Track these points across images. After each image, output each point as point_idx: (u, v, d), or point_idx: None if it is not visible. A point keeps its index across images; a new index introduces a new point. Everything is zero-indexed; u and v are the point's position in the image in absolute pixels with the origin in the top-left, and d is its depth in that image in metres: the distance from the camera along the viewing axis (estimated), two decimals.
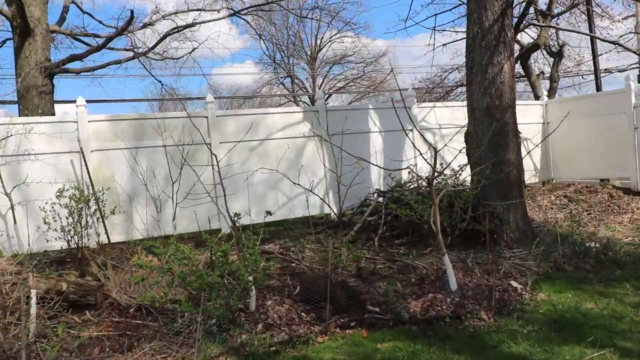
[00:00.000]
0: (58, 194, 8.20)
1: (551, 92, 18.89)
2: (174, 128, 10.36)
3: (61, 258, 8.51)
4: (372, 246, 9.31)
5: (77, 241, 8.25)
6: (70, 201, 8.10)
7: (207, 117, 10.76)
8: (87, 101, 10.07)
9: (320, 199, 10.03)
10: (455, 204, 8.98)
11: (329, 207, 10.63)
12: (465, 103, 10.09)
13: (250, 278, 5.77)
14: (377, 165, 11.18)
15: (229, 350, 5.39)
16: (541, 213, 11.94)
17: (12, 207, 9.09)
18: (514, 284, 6.85)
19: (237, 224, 6.78)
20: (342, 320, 5.78)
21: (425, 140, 8.31)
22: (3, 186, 9.06)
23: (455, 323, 5.85)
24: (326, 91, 39.17)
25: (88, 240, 8.96)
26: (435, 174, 6.77)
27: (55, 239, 8.58)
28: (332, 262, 6.86)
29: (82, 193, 8.68)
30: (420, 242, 9.39)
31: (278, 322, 5.77)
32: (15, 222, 9.09)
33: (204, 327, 5.62)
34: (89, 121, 9.82)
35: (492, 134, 9.03)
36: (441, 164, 10.88)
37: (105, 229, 9.58)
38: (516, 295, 6.56)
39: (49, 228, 8.44)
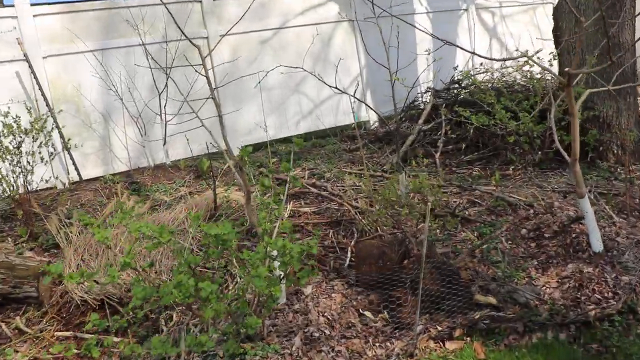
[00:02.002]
0: None
1: None
2: (156, 19, 7.61)
3: (7, 212, 6.12)
4: (433, 166, 6.80)
5: (24, 184, 5.71)
6: (4, 128, 5.52)
7: (200, 1, 7.97)
8: None
9: (358, 99, 7.41)
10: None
11: (373, 110, 8.00)
12: None
13: (280, 273, 3.21)
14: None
15: None
16: None
17: None
18: None
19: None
20: (439, 328, 3.35)
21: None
22: None
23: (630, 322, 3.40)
24: None
25: (47, 182, 6.53)
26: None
27: None
28: (402, 207, 4.36)
29: (36, 117, 6.10)
30: (494, 158, 6.86)
31: (327, 332, 3.36)
32: None
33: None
34: (34, 15, 7.10)
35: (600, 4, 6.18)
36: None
37: (73, 162, 7.11)
38: None
39: None
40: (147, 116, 7.46)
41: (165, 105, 7.00)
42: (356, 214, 5.02)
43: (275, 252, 3.12)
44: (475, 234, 4.66)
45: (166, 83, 7.07)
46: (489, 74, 8.06)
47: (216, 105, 3.74)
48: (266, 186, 3.17)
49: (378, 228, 4.52)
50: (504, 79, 7.69)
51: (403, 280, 3.47)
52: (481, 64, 8.42)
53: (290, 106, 8.54)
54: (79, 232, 5.39)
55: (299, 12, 8.57)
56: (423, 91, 8.62)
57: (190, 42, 3.71)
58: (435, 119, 7.62)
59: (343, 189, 6.00)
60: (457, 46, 4.60)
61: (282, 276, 3.09)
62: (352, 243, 4.25)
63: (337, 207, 5.37)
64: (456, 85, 8.32)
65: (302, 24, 8.61)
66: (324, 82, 5.82)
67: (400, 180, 5.55)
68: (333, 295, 3.66)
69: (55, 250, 5.34)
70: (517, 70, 8.04)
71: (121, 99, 7.25)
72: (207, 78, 3.60)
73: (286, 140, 8.56)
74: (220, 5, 8.09)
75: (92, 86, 7.35)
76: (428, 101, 8.04)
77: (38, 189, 6.62)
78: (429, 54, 7.56)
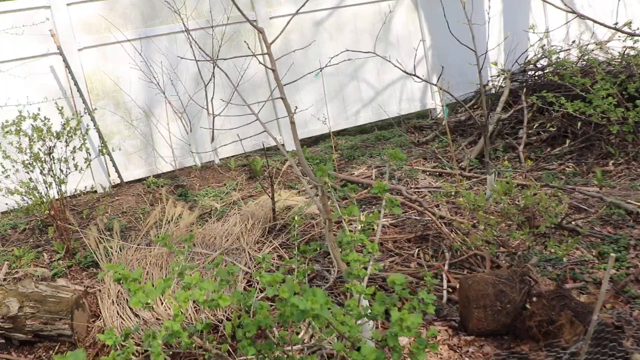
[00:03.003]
0: (13, 122, 4.90)
1: None
2: (199, 2, 6.86)
3: (43, 222, 5.49)
4: (516, 161, 5.89)
5: (58, 191, 5.00)
6: (33, 132, 4.81)
7: None
8: None
9: (426, 81, 6.49)
10: None
11: (449, 95, 7.08)
12: None
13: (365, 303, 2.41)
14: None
15: None
16: None
17: None
18: None
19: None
20: None
21: None
22: None
23: None
24: None
25: (85, 187, 5.87)
26: None
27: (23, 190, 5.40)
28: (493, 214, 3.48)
29: (67, 117, 5.40)
30: (587, 150, 5.86)
31: None
32: None
33: None
34: (68, 4, 6.42)
35: None
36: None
37: (114, 163, 6.44)
38: None
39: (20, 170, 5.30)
40: (192, 110, 6.72)
41: (212, 98, 6.25)
42: (442, 224, 4.17)
43: (366, 302, 2.34)
44: (593, 253, 3.76)
45: (212, 73, 6.30)
46: (568, 53, 7.07)
47: (286, 106, 2.93)
48: (353, 214, 2.38)
49: (473, 245, 3.69)
50: (586, 57, 6.67)
51: (529, 328, 2.64)
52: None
53: (349, 94, 7.69)
54: (120, 247, 4.72)
55: None
56: (496, 74, 7.66)
57: (252, 24, 2.92)
58: (513, 105, 6.68)
59: (418, 191, 5.16)
60: (587, 18, 3.68)
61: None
62: (458, 281, 3.37)
63: (417, 216, 4.53)
64: (531, 67, 7.34)
65: (360, 2, 7.71)
66: (399, 67, 4.94)
67: (488, 182, 4.68)
68: (438, 347, 2.82)
69: (95, 270, 4.68)
70: (600, 48, 7.05)
71: (163, 93, 6.52)
72: (274, 68, 2.78)
73: (345, 132, 7.74)
74: None
75: (131, 79, 6.65)
76: (504, 85, 7.08)
77: (76, 193, 5.99)
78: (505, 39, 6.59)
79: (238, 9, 2.99)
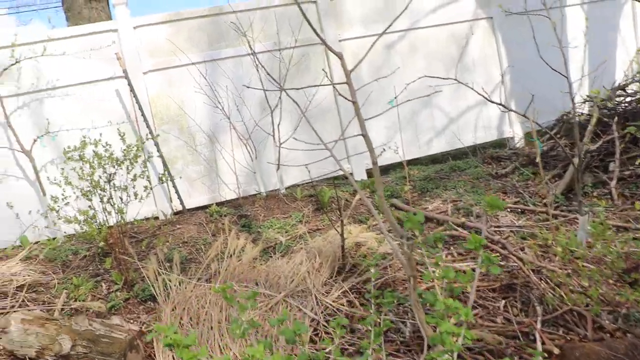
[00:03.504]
0: (76, 149, 4.72)
1: None
2: (266, 23, 6.64)
3: (103, 250, 5.29)
4: (607, 198, 5.34)
5: (116, 217, 4.77)
6: (94, 159, 4.60)
7: (315, 1, 6.89)
8: None
9: (512, 110, 5.99)
10: None
11: (530, 123, 6.60)
12: None
13: None
14: None
15: None
16: None
17: (35, 171, 5.95)
18: None
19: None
20: None
21: None
22: (18, 140, 5.89)
23: None
24: None
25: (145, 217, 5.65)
26: None
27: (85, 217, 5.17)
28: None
29: (134, 143, 5.20)
30: None
31: None
32: (44, 193, 5.95)
33: None
34: (134, 27, 6.30)
35: None
36: None
37: (176, 189, 6.23)
38: None
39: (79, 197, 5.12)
40: (257, 137, 6.46)
41: (279, 124, 5.96)
42: (529, 271, 3.70)
43: None
44: None
45: (280, 97, 6.03)
46: None
47: (368, 144, 2.57)
48: (447, 278, 1.99)
49: (570, 302, 3.22)
50: None
51: None
52: None
53: (422, 122, 7.29)
54: (179, 281, 4.44)
55: (430, 10, 7.30)
56: (581, 101, 7.11)
57: (330, 49, 2.60)
58: (601, 135, 6.12)
59: (499, 230, 4.69)
60: None
61: None
62: (560, 350, 2.88)
63: (501, 260, 4.07)
64: (621, 92, 6.76)
65: (433, 24, 7.32)
66: (484, 95, 4.52)
67: (581, 223, 4.17)
68: None
69: (152, 304, 4.43)
70: None
71: (228, 118, 6.28)
72: (355, 99, 2.45)
73: (417, 161, 7.32)
74: (338, 5, 6.98)
75: (196, 103, 6.45)
76: (589, 113, 6.52)
77: (137, 219, 5.80)
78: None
79: (314, 30, 2.66)
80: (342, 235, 4.25)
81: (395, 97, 5.34)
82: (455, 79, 4.53)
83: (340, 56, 2.43)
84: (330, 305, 3.81)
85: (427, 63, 7.22)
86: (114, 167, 4.61)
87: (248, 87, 5.73)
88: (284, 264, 4.34)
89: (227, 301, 2.21)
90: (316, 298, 3.92)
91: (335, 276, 4.17)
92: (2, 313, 4.37)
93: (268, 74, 5.16)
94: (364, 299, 3.90)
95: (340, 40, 6.87)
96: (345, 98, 2.76)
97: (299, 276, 4.08)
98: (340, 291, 4.02)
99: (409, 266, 2.16)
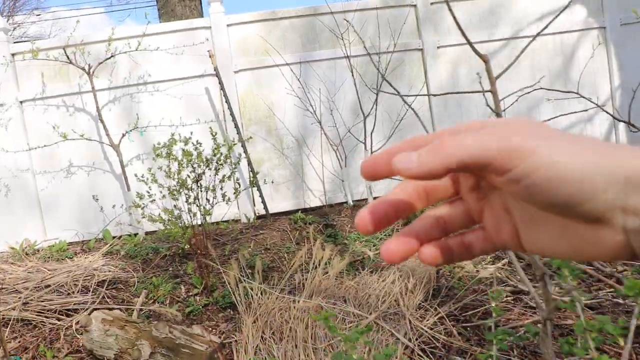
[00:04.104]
0: (164, 145, 4.57)
1: None
2: (362, 27, 6.37)
3: (184, 251, 5.15)
4: None
5: (201, 219, 4.58)
6: (183, 157, 4.43)
7: (414, 5, 6.57)
8: None
9: (634, 126, 5.48)
10: None
11: None
12: None
13: None
14: None
15: None
16: None
17: (122, 166, 5.89)
18: None
19: None
20: None
21: None
22: (107, 134, 5.85)
23: None
24: None
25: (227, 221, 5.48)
26: None
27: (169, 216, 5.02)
28: None
29: (218, 141, 5.02)
30: None
31: None
32: (128, 188, 5.90)
33: None
34: (228, 25, 6.16)
35: None
36: None
37: (261, 193, 6.04)
38: None
39: (164, 196, 4.98)
40: (347, 143, 6.19)
41: (372, 132, 5.65)
42: None
43: None
44: None
45: (375, 103, 5.72)
46: None
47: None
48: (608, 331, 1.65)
49: None
50: None
51: None
52: None
53: None
54: (261, 290, 4.22)
55: (535, 18, 6.84)
56: None
57: (476, 51, 2.33)
58: None
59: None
60: None
61: None
62: None
63: None
64: None
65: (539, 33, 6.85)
66: (608, 111, 4.09)
67: None
68: None
69: (232, 312, 4.23)
70: None
71: (319, 122, 6.04)
72: (499, 110, 2.14)
73: None
74: (438, 11, 6.62)
75: (286, 105, 6.25)
76: None
77: (218, 220, 5.65)
78: None
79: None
80: None
81: (504, 110, 4.93)
82: (576, 93, 4.09)
83: (486, 59, 2.12)
84: (426, 332, 3.47)
85: (530, 74, 6.76)
86: (202, 166, 4.44)
87: (339, 91, 5.46)
88: (373, 282, 4.04)
89: (330, 331, 1.93)
90: (410, 323, 3.60)
91: (430, 299, 3.83)
92: (83, 309, 4.28)
93: (361, 79, 4.89)
94: (462, 327, 3.56)
95: (438, 47, 6.52)
96: (493, 111, 2.42)
97: (391, 296, 3.76)
98: (437, 317, 3.67)
99: (547, 309, 1.82)
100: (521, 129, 0.46)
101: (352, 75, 5.78)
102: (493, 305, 2.44)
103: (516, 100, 3.89)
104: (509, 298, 3.90)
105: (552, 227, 0.48)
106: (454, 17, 2.13)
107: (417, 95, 4.18)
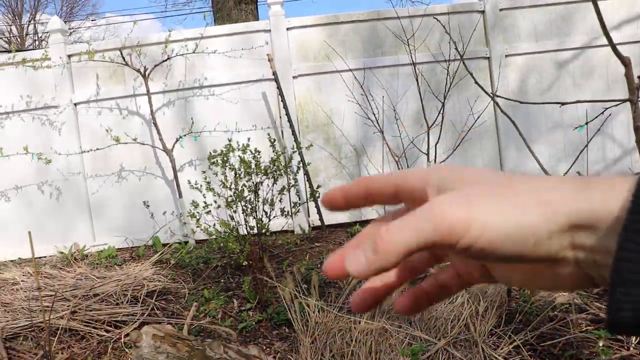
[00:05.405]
0: (222, 152, 4.34)
1: None
2: (427, 33, 6.07)
3: (237, 260, 4.91)
4: None
5: (258, 227, 4.34)
6: (241, 166, 4.21)
7: (482, 11, 6.23)
8: None
9: None
10: None
11: None
12: None
13: None
14: None
15: None
16: None
17: (174, 171, 5.71)
18: None
19: None
20: None
21: None
22: (160, 138, 5.68)
23: None
24: None
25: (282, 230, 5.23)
26: None
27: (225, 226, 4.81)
28: None
29: (277, 149, 4.77)
30: None
31: None
32: (180, 194, 5.71)
33: None
34: (287, 28, 5.94)
35: None
36: None
37: (317, 204, 5.78)
38: None
39: (219, 206, 4.75)
40: (408, 155, 5.88)
41: (437, 143, 5.33)
42: None
43: None
44: None
45: (441, 112, 5.39)
46: None
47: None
48: None
49: None
50: None
51: None
52: None
53: (591, 150, 6.41)
54: (318, 308, 3.94)
55: (613, 26, 6.41)
56: None
57: (617, 53, 1.97)
58: None
59: None
60: None
61: None
62: None
63: None
64: None
65: (616, 42, 6.42)
66: None
67: None
68: None
69: (287, 330, 3.97)
70: None
71: (381, 131, 5.74)
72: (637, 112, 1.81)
73: None
74: (508, 17, 6.27)
75: (345, 113, 5.99)
76: None
77: (272, 230, 5.41)
78: None
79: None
80: None
81: (587, 124, 4.53)
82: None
83: (627, 62, 1.82)
84: None
85: (604, 86, 6.34)
86: (260, 176, 4.20)
87: (401, 100, 5.15)
88: (441, 303, 3.73)
89: None
90: (483, 351, 3.27)
91: (503, 326, 3.49)
92: (132, 321, 4.08)
93: (426, 86, 4.59)
94: (540, 358, 3.21)
95: (506, 56, 6.17)
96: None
97: (461, 320, 3.44)
98: (511, 345, 3.33)
99: None
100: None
101: (417, 82, 5.48)
102: (600, 344, 2.11)
103: (601, 113, 3.54)
104: (589, 327, 3.55)
105: (516, 270, 0.49)
106: (598, 13, 1.83)
107: (492, 101, 3.87)
